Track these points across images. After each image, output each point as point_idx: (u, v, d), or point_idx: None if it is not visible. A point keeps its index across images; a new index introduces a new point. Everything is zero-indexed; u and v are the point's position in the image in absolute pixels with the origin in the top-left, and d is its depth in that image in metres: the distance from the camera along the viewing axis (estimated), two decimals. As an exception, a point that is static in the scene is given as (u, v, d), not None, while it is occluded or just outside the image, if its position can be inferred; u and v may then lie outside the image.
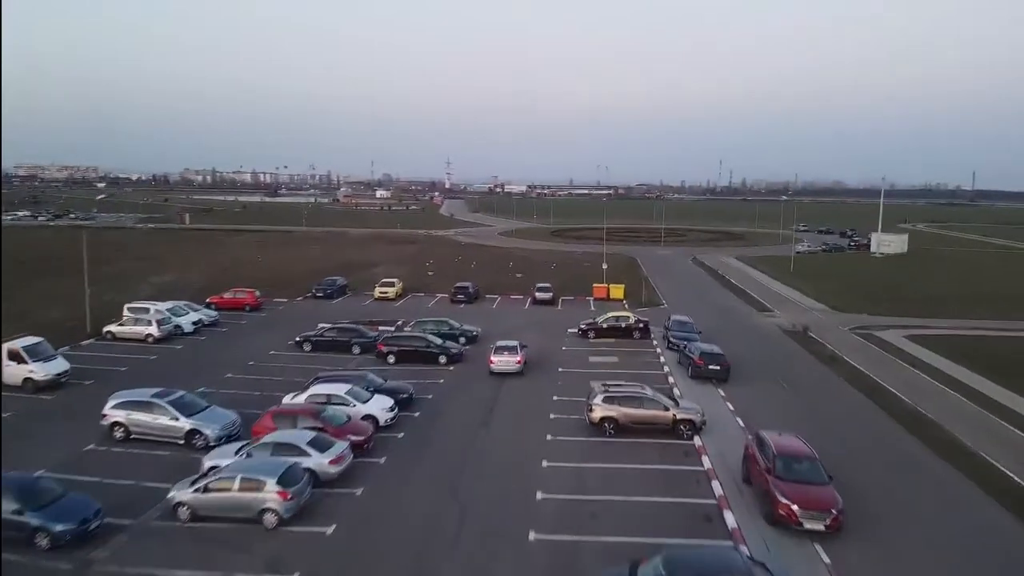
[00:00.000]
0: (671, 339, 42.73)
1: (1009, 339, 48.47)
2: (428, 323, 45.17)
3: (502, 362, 36.65)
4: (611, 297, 61.73)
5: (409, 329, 45.87)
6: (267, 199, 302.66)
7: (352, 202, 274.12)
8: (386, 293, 60.76)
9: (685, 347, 38.63)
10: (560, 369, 38.26)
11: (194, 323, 46.66)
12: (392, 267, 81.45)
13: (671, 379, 36.43)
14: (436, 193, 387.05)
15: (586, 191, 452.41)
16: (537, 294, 59.74)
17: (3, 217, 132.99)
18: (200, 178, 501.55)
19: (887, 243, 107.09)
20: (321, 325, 47.33)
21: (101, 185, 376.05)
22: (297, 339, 42.65)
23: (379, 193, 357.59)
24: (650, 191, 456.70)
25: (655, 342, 44.80)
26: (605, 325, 46.02)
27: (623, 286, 62.98)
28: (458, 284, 61.21)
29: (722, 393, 34.19)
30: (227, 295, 54.72)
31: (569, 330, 48.13)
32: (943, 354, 43.09)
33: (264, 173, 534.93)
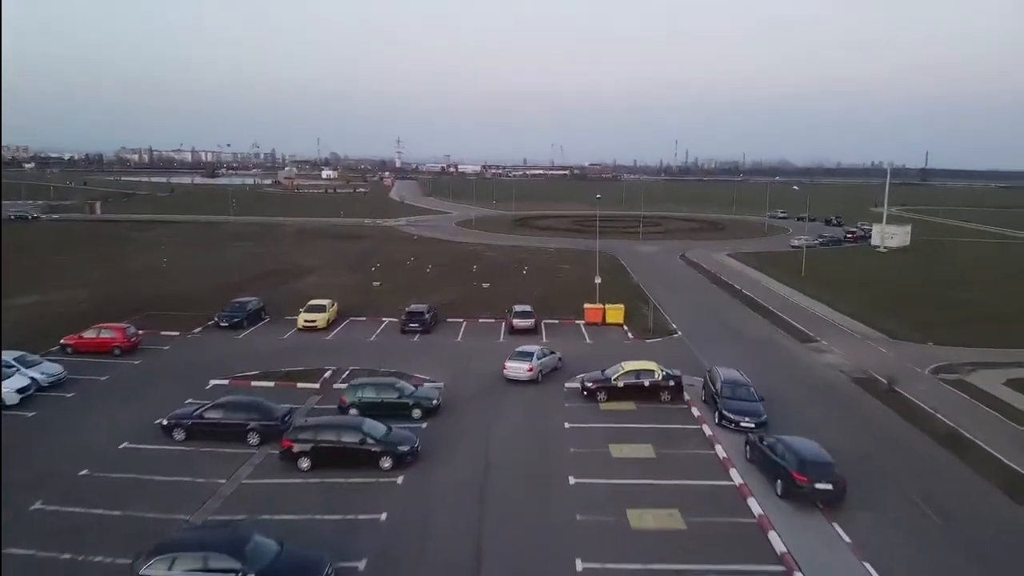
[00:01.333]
0: (724, 413, 29.22)
1: None
2: (366, 387, 30.94)
3: (514, 368, 34.95)
4: (607, 321, 48.16)
5: (344, 385, 32.56)
6: (203, 180, 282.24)
7: (293, 184, 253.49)
8: (313, 321, 45.44)
9: (763, 442, 25.01)
10: (572, 480, 24.41)
11: (21, 389, 31.48)
12: (330, 275, 66.62)
13: (752, 503, 22.86)
14: (387, 173, 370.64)
15: (540, 171, 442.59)
16: (515, 321, 45.58)
17: None
18: (136, 157, 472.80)
19: (891, 236, 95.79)
20: (213, 382, 33.72)
21: (29, 166, 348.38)
22: (165, 421, 27.97)
23: (325, 173, 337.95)
24: (605, 171, 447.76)
25: (695, 411, 31.30)
26: (621, 383, 32.31)
27: (622, 307, 49.09)
28: (411, 308, 46.49)
29: (846, 538, 20.71)
30: (88, 334, 39.30)
31: (567, 385, 34.57)
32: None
33: (205, 152, 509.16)
